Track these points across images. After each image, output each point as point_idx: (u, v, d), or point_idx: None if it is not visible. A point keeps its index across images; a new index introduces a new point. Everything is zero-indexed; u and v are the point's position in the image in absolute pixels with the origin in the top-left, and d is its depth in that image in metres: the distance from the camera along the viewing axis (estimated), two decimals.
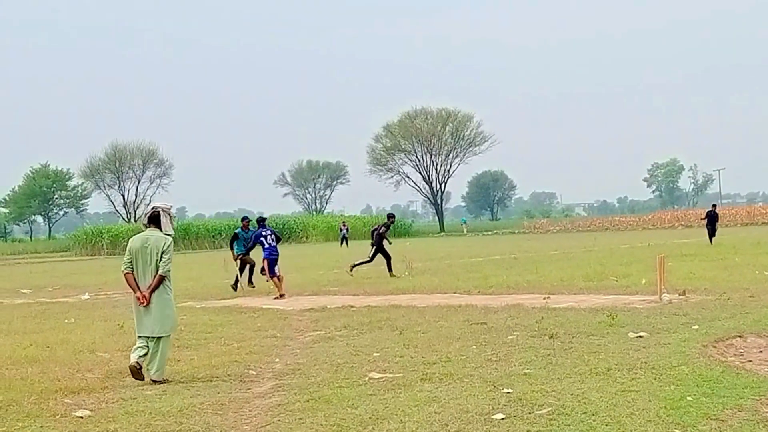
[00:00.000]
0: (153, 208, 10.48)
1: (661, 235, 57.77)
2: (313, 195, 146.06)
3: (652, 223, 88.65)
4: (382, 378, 9.47)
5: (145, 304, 10.04)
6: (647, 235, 52.50)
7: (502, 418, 7.30)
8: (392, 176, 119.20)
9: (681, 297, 15.99)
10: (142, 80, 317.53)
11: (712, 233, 38.81)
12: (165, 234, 10.29)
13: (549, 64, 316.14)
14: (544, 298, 16.92)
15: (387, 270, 26.52)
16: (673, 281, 18.00)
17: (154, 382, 9.88)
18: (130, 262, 10.19)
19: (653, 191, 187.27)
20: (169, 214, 10.44)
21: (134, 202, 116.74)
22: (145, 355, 10.02)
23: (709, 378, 8.49)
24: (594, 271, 23.00)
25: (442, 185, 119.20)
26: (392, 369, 10.03)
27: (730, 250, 31.39)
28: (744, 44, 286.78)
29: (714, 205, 42.08)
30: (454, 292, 19.65)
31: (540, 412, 7.46)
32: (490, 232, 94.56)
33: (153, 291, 10.06)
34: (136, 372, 9.85)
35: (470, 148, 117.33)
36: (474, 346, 11.37)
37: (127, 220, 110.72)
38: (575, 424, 7.00)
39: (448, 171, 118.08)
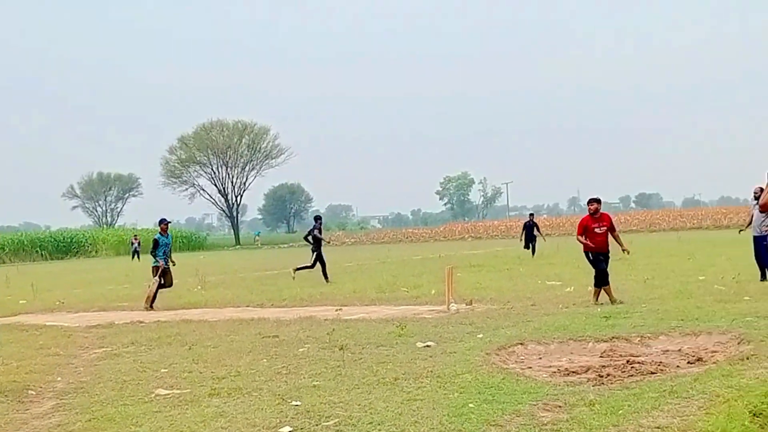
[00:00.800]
0: None
1: (451, 246, 59.47)
2: (104, 208, 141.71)
3: (443, 235, 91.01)
4: (168, 394, 9.27)
5: None
6: (439, 247, 53.94)
7: (290, 431, 7.29)
8: (187, 188, 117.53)
9: (468, 306, 16.48)
10: None
11: (531, 242, 36.83)
12: None
13: (342, 84, 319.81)
14: (336, 310, 17.05)
15: (323, 276, 26.32)
16: (461, 291, 18.55)
17: None
18: None
19: (445, 204, 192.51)
20: None
21: None
22: None
23: (491, 385, 8.76)
24: (386, 282, 23.41)
25: (238, 198, 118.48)
26: (180, 385, 9.83)
27: (515, 261, 32.67)
28: (526, 69, 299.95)
29: (531, 214, 39.16)
30: (247, 306, 19.53)
31: (327, 423, 7.49)
32: (286, 245, 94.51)
33: None
34: None
35: (267, 161, 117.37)
36: (265, 360, 11.31)
37: None
38: None
39: (245, 183, 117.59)
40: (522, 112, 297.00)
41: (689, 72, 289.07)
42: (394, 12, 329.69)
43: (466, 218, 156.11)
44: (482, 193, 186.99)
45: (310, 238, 27.17)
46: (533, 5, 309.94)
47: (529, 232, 37.06)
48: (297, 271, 27.24)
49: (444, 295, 16.95)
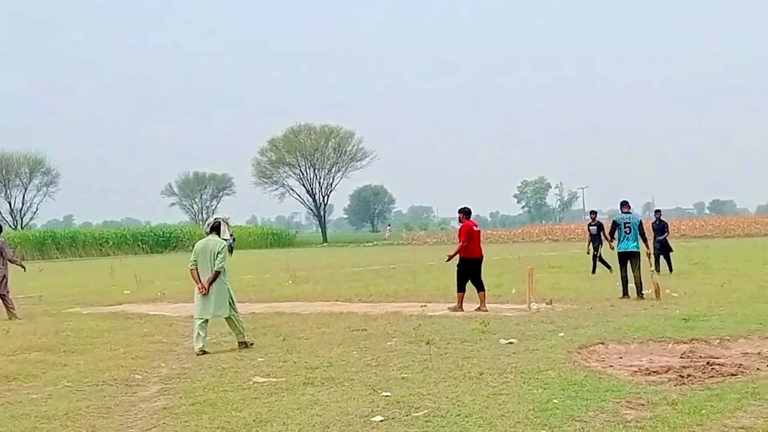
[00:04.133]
0: (215, 219, 13.03)
1: (530, 248, 58.87)
2: (200, 205, 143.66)
3: (521, 237, 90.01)
4: (265, 382, 9.38)
5: (204, 293, 12.15)
6: (517, 248, 53.48)
7: (381, 420, 7.31)
8: (277, 188, 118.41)
9: (548, 306, 16.33)
10: (29, 93, 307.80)
11: (665, 254, 25.86)
12: (222, 239, 12.58)
13: (427, 90, 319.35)
14: (422, 306, 17.03)
15: None
16: (541, 291, 18.37)
17: (245, 345, 12.25)
18: (195, 261, 12.35)
19: (522, 207, 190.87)
20: (227, 224, 12.95)
21: (21, 210, 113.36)
22: (204, 339, 12.06)
23: (574, 382, 8.68)
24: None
25: (325, 198, 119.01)
26: (276, 373, 9.95)
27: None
28: (609, 74, 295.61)
29: (657, 210, 28.35)
30: (336, 300, 19.64)
31: (417, 414, 7.50)
32: (370, 243, 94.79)
33: (211, 283, 12.15)
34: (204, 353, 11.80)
35: (352, 163, 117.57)
36: (355, 352, 11.37)
37: (14, 227, 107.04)
38: (450, 425, 7.06)
39: (331, 184, 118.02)
40: (598, 115, 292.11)
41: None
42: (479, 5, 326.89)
43: (543, 221, 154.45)
44: (558, 197, 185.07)
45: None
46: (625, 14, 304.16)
47: (663, 244, 29.99)
48: None
49: (524, 295, 16.82)
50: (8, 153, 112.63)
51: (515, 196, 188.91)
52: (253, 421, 7.49)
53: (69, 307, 20.07)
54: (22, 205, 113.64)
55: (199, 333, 12.03)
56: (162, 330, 14.89)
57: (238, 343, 12.35)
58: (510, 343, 11.64)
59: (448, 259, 17.77)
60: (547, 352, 10.67)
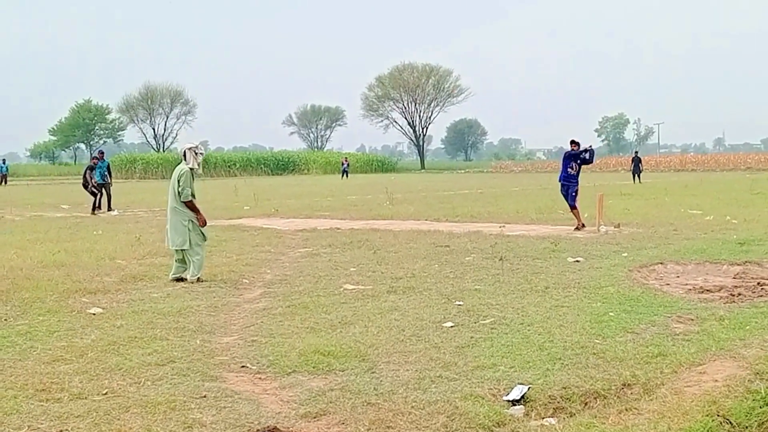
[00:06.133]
0: (182, 148, 10.75)
1: (606, 177, 57.50)
2: (315, 134, 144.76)
3: (599, 167, 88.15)
4: (354, 289, 9.37)
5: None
6: (594, 177, 52.18)
7: (451, 326, 7.21)
8: (382, 120, 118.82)
9: (616, 229, 15.90)
10: (172, 27, 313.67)
11: (637, 173, 43.99)
12: (186, 167, 10.50)
13: (517, 33, 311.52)
14: (500, 227, 16.79)
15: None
16: (610, 215, 17.92)
17: (182, 279, 10.23)
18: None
19: (602, 140, 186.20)
20: (195, 152, 10.58)
21: (163, 135, 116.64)
22: (180, 268, 10.39)
23: (631, 297, 8.41)
24: (545, 206, 22.89)
25: (424, 129, 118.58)
26: (364, 282, 9.93)
27: (662, 192, 31.26)
28: (690, 13, 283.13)
29: (636, 152, 46.88)
30: (426, 220, 19.53)
31: (484, 321, 7.38)
32: (463, 171, 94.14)
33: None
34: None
35: (449, 99, 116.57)
36: (436, 265, 11.27)
37: (156, 150, 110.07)
38: (512, 332, 6.92)
39: (430, 118, 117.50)
40: (680, 57, 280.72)
41: None
42: None
43: (621, 153, 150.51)
44: (636, 132, 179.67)
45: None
46: None
47: (636, 165, 44.56)
48: None
49: (595, 219, 16.40)
50: (153, 85, 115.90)
51: (596, 130, 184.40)
52: (339, 322, 7.48)
53: None
54: (164, 131, 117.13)
55: (175, 262, 10.49)
56: (271, 241, 15.05)
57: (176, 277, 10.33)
58: (576, 261, 11.36)
59: None
60: (610, 270, 10.37)
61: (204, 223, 10.53)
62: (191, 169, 10.52)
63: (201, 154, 10.70)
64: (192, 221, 10.43)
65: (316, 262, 11.95)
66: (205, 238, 10.63)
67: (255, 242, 14.88)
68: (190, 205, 10.43)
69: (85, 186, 24.50)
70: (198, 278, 10.18)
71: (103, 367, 6.01)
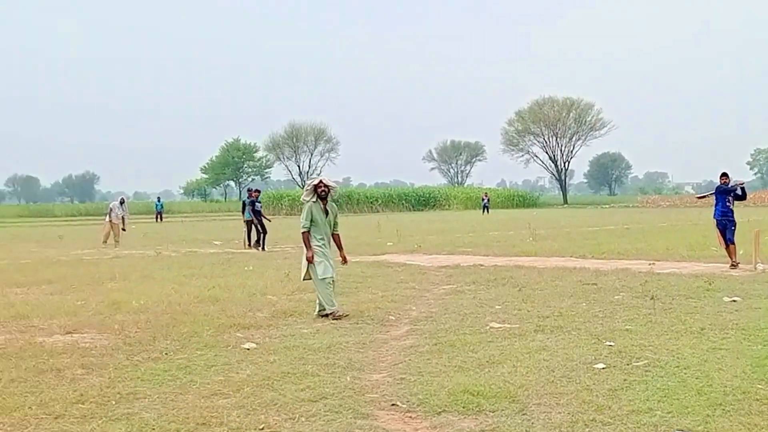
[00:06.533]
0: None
1: (760, 212, 54.83)
2: (455, 169, 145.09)
3: (753, 202, 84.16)
4: (501, 328, 9.29)
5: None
6: (748, 212, 49.86)
7: (603, 368, 7.03)
8: (522, 155, 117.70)
9: None
10: (314, 69, 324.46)
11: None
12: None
13: (655, 61, 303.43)
14: (650, 264, 16.26)
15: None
16: (767, 253, 17.04)
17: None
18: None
19: (755, 173, 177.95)
20: (312, 187, 10.79)
21: (307, 172, 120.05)
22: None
23: None
24: (696, 242, 22.01)
25: (566, 164, 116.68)
26: (510, 320, 9.83)
27: None
28: None
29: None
30: (571, 256, 19.16)
31: (637, 363, 7.15)
32: (607, 206, 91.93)
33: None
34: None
35: (591, 132, 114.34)
36: (584, 304, 11.04)
37: (302, 186, 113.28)
38: (668, 375, 6.67)
39: (571, 152, 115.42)
40: None
41: None
42: None
43: None
44: None
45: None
46: None
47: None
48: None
49: (751, 256, 15.64)
50: (298, 124, 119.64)
51: (748, 163, 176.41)
52: (487, 362, 7.42)
53: None
54: (309, 168, 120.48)
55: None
56: (415, 278, 15.15)
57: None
58: (733, 301, 10.86)
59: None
60: None
61: (309, 260, 10.54)
62: (314, 202, 10.72)
63: (323, 188, 10.73)
64: (315, 255, 10.59)
65: (460, 300, 11.93)
66: (321, 275, 10.51)
67: (399, 278, 15.02)
68: (303, 238, 10.64)
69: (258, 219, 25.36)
70: (322, 313, 10.39)
71: (259, 402, 6.20)
